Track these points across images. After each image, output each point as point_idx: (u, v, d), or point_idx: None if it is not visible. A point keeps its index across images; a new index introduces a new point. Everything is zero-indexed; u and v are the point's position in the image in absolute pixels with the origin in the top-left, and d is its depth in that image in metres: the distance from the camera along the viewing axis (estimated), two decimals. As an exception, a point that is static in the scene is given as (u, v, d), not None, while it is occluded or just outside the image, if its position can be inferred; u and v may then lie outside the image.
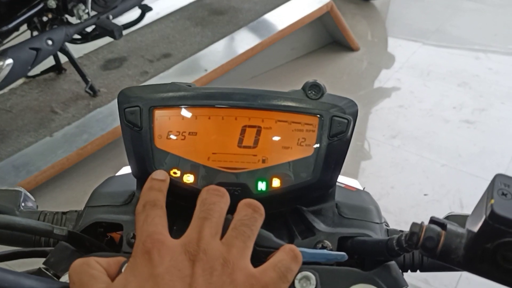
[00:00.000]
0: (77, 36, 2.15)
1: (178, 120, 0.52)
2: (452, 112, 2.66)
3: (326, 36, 3.07)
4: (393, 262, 0.51)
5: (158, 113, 0.52)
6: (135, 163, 0.53)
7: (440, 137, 2.50)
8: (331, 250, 0.52)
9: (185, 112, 0.52)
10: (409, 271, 0.57)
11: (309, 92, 0.52)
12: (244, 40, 2.65)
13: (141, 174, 0.53)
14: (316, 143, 0.52)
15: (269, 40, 2.65)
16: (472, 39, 3.31)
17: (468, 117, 2.63)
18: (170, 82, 0.54)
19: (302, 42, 2.97)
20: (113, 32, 2.04)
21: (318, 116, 0.52)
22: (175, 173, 0.52)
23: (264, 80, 2.80)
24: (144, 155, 0.52)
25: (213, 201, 0.44)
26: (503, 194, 0.39)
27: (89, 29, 2.16)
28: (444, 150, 2.42)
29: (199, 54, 2.55)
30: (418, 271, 0.57)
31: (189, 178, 0.52)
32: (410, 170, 2.32)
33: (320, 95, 0.52)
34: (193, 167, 0.52)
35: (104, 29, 2.07)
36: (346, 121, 0.51)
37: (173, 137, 0.52)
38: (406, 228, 0.63)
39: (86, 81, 2.24)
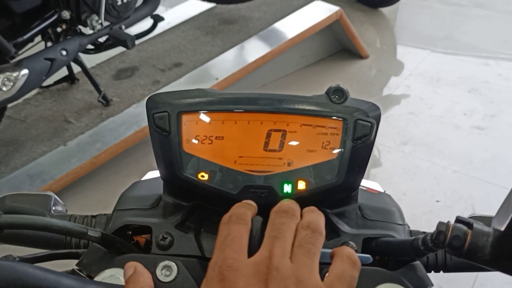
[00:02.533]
0: (90, 46, 2.18)
1: (205, 124, 0.53)
2: (463, 119, 2.66)
3: (335, 44, 3.09)
4: (418, 262, 0.51)
5: (186, 118, 0.53)
6: (164, 166, 0.54)
7: (451, 143, 2.50)
8: (356, 251, 0.53)
9: (212, 117, 0.53)
10: (432, 271, 0.58)
11: (333, 96, 0.54)
12: (255, 49, 2.67)
13: (169, 177, 0.54)
14: (341, 146, 0.53)
15: (279, 49, 2.66)
16: (481, 45, 3.31)
17: (479, 123, 2.63)
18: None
19: (312, 50, 2.99)
20: (126, 42, 2.07)
21: (342, 119, 0.53)
22: (202, 176, 0.53)
23: (274, 88, 2.81)
24: (173, 159, 0.53)
25: (283, 222, 0.46)
26: (529, 192, 0.40)
27: (102, 39, 2.19)
28: (456, 157, 2.42)
29: (210, 63, 2.57)
30: (441, 271, 0.58)
31: (216, 181, 0.53)
32: (422, 176, 2.32)
33: (343, 99, 0.54)
34: (220, 170, 0.53)
35: (117, 39, 2.10)
36: (369, 124, 0.53)
37: (200, 141, 0.53)
38: (421, 234, 0.64)
39: (99, 91, 2.27)
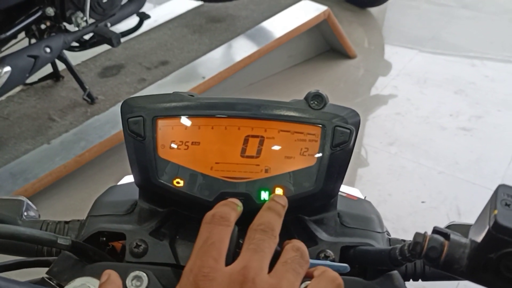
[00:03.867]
0: (75, 44, 2.15)
1: (181, 129, 0.52)
2: (449, 119, 2.67)
3: (323, 43, 3.09)
4: (395, 272, 0.51)
5: (161, 123, 0.52)
6: (138, 172, 0.53)
7: (437, 144, 2.51)
8: (333, 259, 0.52)
9: (188, 122, 0.52)
10: (411, 280, 0.57)
11: (312, 102, 0.53)
12: (242, 48, 2.66)
13: (144, 184, 0.53)
14: (319, 153, 0.52)
15: (267, 48, 2.65)
16: (468, 46, 3.33)
17: (465, 124, 2.64)
18: (171, 91, 0.54)
19: (299, 49, 2.98)
20: (111, 39, 2.04)
21: (321, 126, 0.52)
22: (178, 182, 0.52)
23: (261, 87, 2.80)
24: (147, 165, 0.52)
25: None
26: (506, 204, 0.40)
27: (87, 37, 2.16)
28: (441, 157, 2.43)
29: (196, 62, 2.55)
30: (420, 280, 0.57)
31: (191, 188, 0.52)
32: (407, 177, 2.33)
33: (322, 105, 0.53)
34: (196, 177, 0.52)
35: (102, 37, 2.07)
36: (348, 131, 0.52)
37: (176, 146, 0.52)
38: (405, 236, 0.63)
39: (84, 89, 2.24)
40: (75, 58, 2.41)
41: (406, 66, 3.11)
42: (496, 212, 0.39)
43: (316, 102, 0.53)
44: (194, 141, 0.52)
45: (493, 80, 3.00)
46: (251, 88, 2.79)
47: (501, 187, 0.41)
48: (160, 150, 0.52)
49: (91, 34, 2.14)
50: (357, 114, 0.53)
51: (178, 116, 0.52)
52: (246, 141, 0.52)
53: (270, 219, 0.47)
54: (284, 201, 0.50)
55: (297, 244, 0.46)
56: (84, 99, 2.25)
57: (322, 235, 0.54)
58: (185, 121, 0.52)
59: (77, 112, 2.24)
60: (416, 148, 2.48)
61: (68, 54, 2.23)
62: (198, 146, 0.52)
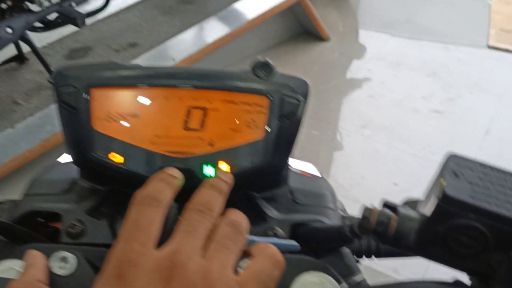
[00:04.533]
0: (38, 24, 2.08)
1: (118, 100, 0.48)
2: (422, 102, 2.67)
3: (296, 26, 3.05)
4: (346, 249, 0.48)
5: (96, 93, 0.48)
6: (72, 147, 0.49)
7: (410, 127, 2.50)
8: (283, 238, 0.49)
9: (126, 92, 0.48)
10: (364, 257, 0.55)
11: (258, 71, 0.49)
12: (213, 30, 2.61)
13: (79, 159, 0.49)
14: (266, 125, 0.49)
15: (239, 30, 2.61)
16: (441, 30, 3.32)
17: (438, 107, 2.64)
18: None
19: (273, 32, 2.94)
20: (76, 20, 1.98)
21: (268, 96, 0.49)
22: (114, 157, 0.48)
23: (234, 70, 2.76)
24: (81, 138, 0.48)
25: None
26: (455, 174, 0.37)
27: (51, 17, 2.09)
28: (414, 140, 2.42)
29: (167, 44, 2.50)
30: (374, 257, 0.55)
31: (129, 163, 0.48)
32: (380, 160, 2.32)
33: (269, 74, 0.49)
34: (134, 151, 0.48)
35: (66, 17, 2.00)
36: (296, 101, 0.49)
37: (113, 119, 0.48)
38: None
39: (49, 71, 2.17)
40: (41, 40, 2.33)
41: (380, 50, 3.10)
42: (444, 183, 0.36)
43: (263, 71, 0.50)
44: (132, 113, 0.48)
45: (466, 64, 3.00)
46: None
47: (451, 157, 0.39)
48: (95, 123, 0.48)
49: (55, 15, 2.07)
50: (306, 84, 0.50)
51: (114, 85, 0.48)
52: (188, 112, 0.49)
53: (210, 198, 0.43)
54: (228, 178, 0.46)
55: (232, 216, 0.42)
56: (50, 81, 2.18)
57: (272, 212, 0.51)
58: (122, 91, 0.48)
59: (43, 95, 2.18)
60: (389, 131, 2.47)
61: (33, 35, 2.16)
62: (137, 119, 0.48)
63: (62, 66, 0.49)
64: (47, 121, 2.07)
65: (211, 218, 0.41)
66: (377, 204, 0.42)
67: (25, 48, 2.24)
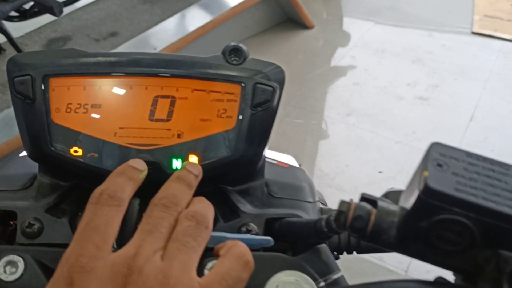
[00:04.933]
0: (14, 14, 2.02)
1: (78, 90, 0.45)
2: (406, 89, 2.65)
3: (280, 14, 3.01)
4: (324, 245, 0.45)
5: (55, 82, 0.45)
6: (29, 141, 0.46)
7: (394, 114, 2.49)
8: (257, 234, 0.47)
9: (87, 81, 0.45)
10: (344, 253, 0.52)
11: (230, 57, 0.46)
12: (195, 18, 2.56)
13: (36, 153, 0.46)
14: (238, 114, 0.46)
15: (221, 18, 2.56)
16: (425, 16, 3.30)
17: (422, 93, 2.62)
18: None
19: (255, 20, 2.90)
20: (53, 8, 1.92)
21: (240, 83, 0.46)
22: (76, 151, 0.45)
23: (216, 59, 2.72)
24: (39, 132, 0.45)
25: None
26: (438, 165, 0.34)
27: (27, 6, 2.03)
28: (399, 127, 2.40)
29: (148, 33, 2.45)
30: (354, 253, 0.52)
31: (91, 157, 0.45)
32: (365, 147, 2.30)
33: (242, 60, 0.46)
34: (97, 144, 0.45)
35: (43, 6, 1.94)
36: (271, 88, 0.46)
37: (73, 110, 0.45)
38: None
39: (26, 62, 2.11)
40: (18, 29, 2.27)
41: (364, 36, 3.07)
42: (426, 174, 0.33)
43: (235, 57, 0.46)
44: (94, 103, 0.45)
45: (450, 50, 2.99)
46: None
47: (434, 145, 0.36)
48: (54, 114, 0.45)
49: (31, 4, 2.01)
50: (282, 70, 0.47)
51: (74, 74, 0.45)
52: (155, 102, 0.45)
53: (176, 191, 0.40)
54: (197, 170, 0.43)
55: (194, 207, 0.39)
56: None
57: (245, 207, 0.48)
58: (83, 80, 0.45)
59: (20, 86, 2.12)
60: (374, 119, 2.45)
61: (10, 25, 2.10)
62: (99, 109, 0.45)
63: (17, 53, 0.46)
64: (25, 113, 2.02)
65: (175, 213, 0.38)
66: (359, 194, 0.39)
67: (1, 38, 2.18)
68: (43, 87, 0.44)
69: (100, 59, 0.46)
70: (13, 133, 1.94)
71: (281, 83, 0.47)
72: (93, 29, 2.45)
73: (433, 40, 3.07)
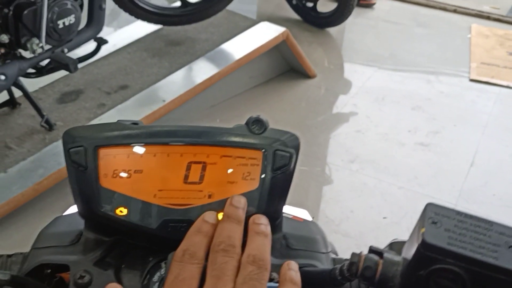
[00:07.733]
0: (31, 70, 2.12)
1: (123, 158, 0.52)
2: (407, 135, 2.73)
3: (283, 64, 3.13)
4: (338, 292, 0.52)
5: (103, 152, 0.52)
6: (81, 203, 0.53)
7: (396, 160, 2.56)
8: (278, 282, 0.53)
9: (130, 150, 0.52)
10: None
11: (253, 127, 0.54)
12: (202, 70, 2.67)
13: (87, 214, 0.53)
14: (261, 176, 0.53)
15: (227, 70, 2.67)
16: (423, 63, 3.43)
17: (423, 139, 2.70)
18: (131, 115, 0.54)
19: (260, 70, 3.01)
20: (68, 65, 2.03)
21: (262, 150, 0.53)
22: (121, 211, 0.52)
23: (223, 109, 2.82)
24: (90, 195, 0.52)
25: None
26: (433, 222, 0.41)
27: (43, 63, 2.14)
28: (401, 173, 2.47)
29: (156, 85, 2.55)
30: (364, 298, 0.58)
31: (134, 216, 0.52)
32: (369, 193, 2.36)
33: (263, 129, 0.54)
34: (139, 205, 0.52)
35: (59, 63, 2.06)
36: (288, 154, 0.53)
37: (118, 175, 0.52)
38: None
39: (41, 115, 2.21)
40: (33, 84, 2.37)
41: (365, 84, 3.18)
42: (423, 230, 0.40)
43: (257, 127, 0.54)
44: (136, 169, 0.52)
45: (448, 96, 3.09)
46: (213, 110, 2.80)
47: (429, 206, 0.43)
48: (103, 180, 0.52)
49: (47, 60, 2.12)
50: (297, 138, 0.55)
51: (120, 145, 0.52)
52: (188, 167, 0.53)
53: (230, 232, 0.47)
54: (243, 203, 0.50)
55: (252, 252, 0.45)
56: (42, 125, 2.22)
57: (267, 258, 0.55)
58: (127, 149, 0.52)
59: (35, 139, 2.20)
60: (377, 165, 2.52)
61: (25, 80, 2.20)
62: (141, 174, 0.52)
63: (71, 127, 0.53)
64: (40, 165, 2.09)
65: (236, 255, 0.45)
66: (364, 240, 0.46)
67: (17, 92, 2.28)
68: (94, 157, 0.52)
69: (141, 131, 0.53)
70: (29, 184, 2.01)
71: (297, 148, 0.54)
72: (104, 83, 2.56)
73: (431, 87, 3.18)
